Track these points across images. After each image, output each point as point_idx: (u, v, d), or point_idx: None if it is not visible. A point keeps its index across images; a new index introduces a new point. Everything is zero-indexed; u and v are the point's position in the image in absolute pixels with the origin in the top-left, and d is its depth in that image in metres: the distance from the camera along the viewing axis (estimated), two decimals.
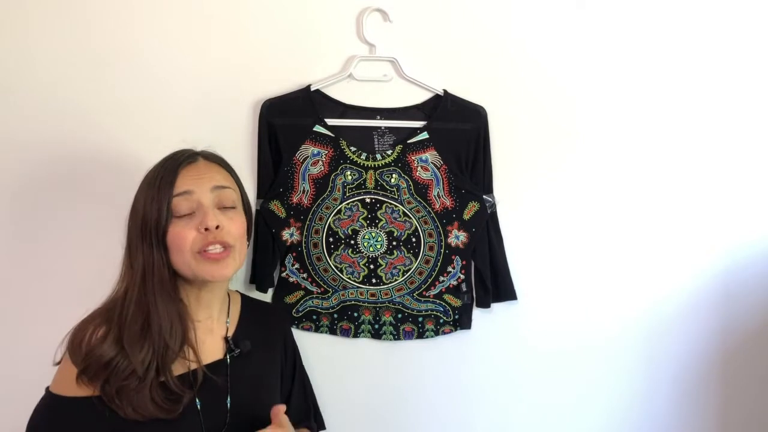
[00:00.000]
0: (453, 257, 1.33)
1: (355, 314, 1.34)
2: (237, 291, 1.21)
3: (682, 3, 1.33)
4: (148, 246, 0.98)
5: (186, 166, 1.01)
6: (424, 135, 1.32)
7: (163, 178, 0.99)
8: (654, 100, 1.35)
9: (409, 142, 1.31)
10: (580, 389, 1.38)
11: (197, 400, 0.99)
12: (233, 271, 1.03)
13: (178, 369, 0.98)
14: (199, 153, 1.07)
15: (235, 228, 1.02)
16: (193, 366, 1.00)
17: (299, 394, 1.21)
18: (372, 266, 1.32)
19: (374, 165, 1.31)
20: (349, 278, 1.33)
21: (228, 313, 1.12)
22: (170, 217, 0.98)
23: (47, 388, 0.99)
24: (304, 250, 1.32)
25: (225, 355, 1.07)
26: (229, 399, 1.03)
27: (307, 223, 1.32)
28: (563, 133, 1.35)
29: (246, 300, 1.19)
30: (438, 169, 1.32)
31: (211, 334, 1.07)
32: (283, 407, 1.02)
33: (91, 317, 1.00)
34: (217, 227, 0.99)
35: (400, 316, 1.34)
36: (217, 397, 1.02)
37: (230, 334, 1.10)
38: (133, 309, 0.97)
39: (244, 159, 1.31)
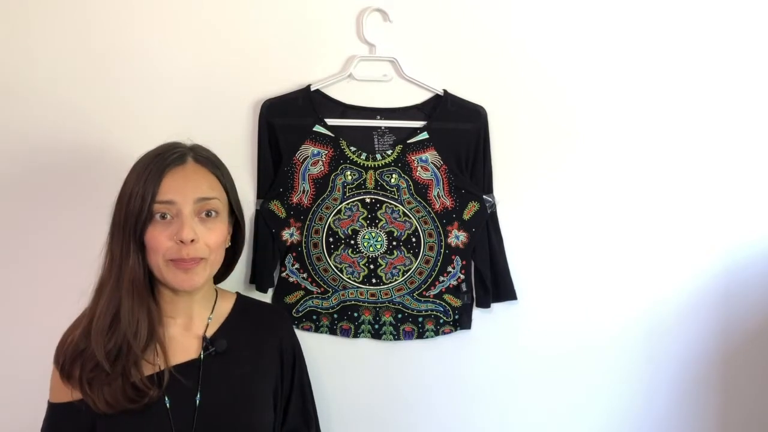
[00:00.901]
0: (453, 257, 1.33)
1: (355, 314, 1.34)
2: (236, 292, 1.19)
3: (682, 3, 1.33)
4: (126, 241, 0.98)
5: (173, 168, 1.00)
6: (424, 135, 1.31)
7: (149, 178, 0.97)
8: (654, 101, 1.35)
9: (409, 142, 1.31)
10: (579, 389, 1.38)
11: (166, 398, 1.00)
12: (203, 280, 1.03)
13: (146, 367, 0.99)
14: (190, 150, 1.05)
15: (212, 238, 1.01)
16: (162, 365, 1.00)
17: (297, 400, 1.17)
18: (372, 266, 1.32)
19: (374, 165, 1.31)
20: (349, 278, 1.33)
21: (212, 311, 1.11)
22: (150, 218, 0.98)
23: (48, 401, 1.02)
24: (304, 250, 1.32)
25: (200, 354, 1.06)
26: (198, 398, 1.02)
27: (307, 223, 1.32)
28: (563, 133, 1.35)
29: (242, 300, 1.17)
30: (438, 169, 1.32)
31: (187, 331, 1.07)
32: None
33: (71, 326, 1.03)
34: (193, 240, 0.98)
35: (400, 316, 1.34)
36: (186, 396, 1.02)
37: (210, 332, 1.08)
38: (105, 302, 0.98)
39: (243, 159, 1.31)
